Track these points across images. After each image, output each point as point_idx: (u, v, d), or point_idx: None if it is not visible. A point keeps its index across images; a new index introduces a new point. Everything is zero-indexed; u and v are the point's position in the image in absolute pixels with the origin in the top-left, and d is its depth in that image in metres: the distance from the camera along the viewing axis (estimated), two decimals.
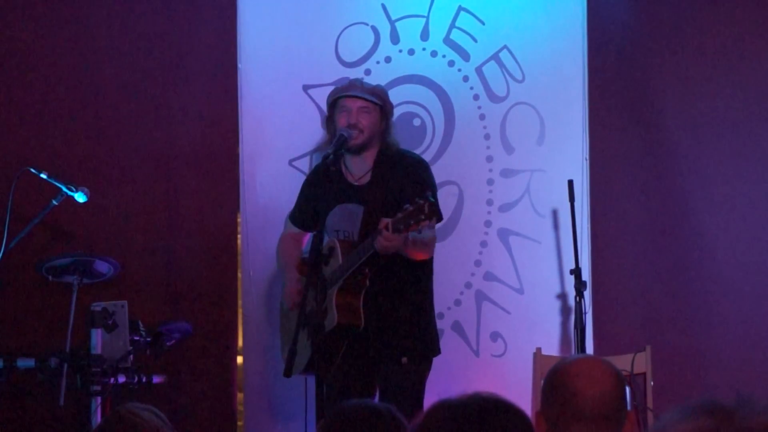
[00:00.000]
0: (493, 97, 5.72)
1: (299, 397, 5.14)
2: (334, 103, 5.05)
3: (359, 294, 4.83)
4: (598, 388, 2.66)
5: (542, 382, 2.76)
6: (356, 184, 5.01)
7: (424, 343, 4.96)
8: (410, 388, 4.86)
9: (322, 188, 4.97)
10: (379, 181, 4.97)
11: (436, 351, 5.03)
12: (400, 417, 2.58)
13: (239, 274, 5.81)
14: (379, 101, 5.01)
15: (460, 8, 5.74)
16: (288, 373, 4.48)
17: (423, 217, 4.47)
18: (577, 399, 2.64)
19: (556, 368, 2.73)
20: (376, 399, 4.88)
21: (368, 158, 5.03)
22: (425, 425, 2.32)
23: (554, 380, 2.70)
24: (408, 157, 5.08)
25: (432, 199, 4.51)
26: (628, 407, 5.10)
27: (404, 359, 4.87)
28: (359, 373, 4.93)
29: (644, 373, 5.26)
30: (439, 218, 4.76)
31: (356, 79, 5.23)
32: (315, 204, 5.09)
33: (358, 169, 5.03)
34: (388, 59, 5.77)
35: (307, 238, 5.26)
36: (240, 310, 5.82)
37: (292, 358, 4.48)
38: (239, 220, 5.85)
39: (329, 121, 5.07)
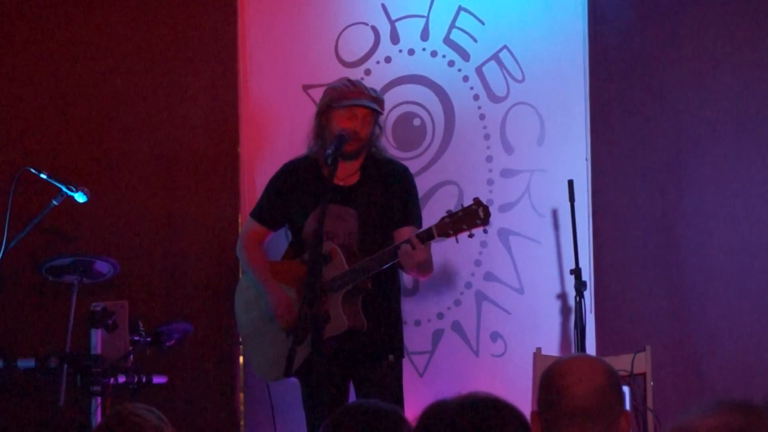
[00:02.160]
0: (493, 97, 5.72)
1: (299, 397, 5.14)
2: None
3: (359, 298, 4.84)
4: (587, 385, 2.66)
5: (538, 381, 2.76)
6: (342, 184, 4.98)
7: (402, 343, 5.01)
8: (395, 384, 4.90)
9: (301, 187, 4.96)
10: (368, 184, 4.95)
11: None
12: (404, 417, 2.58)
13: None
14: (381, 111, 4.98)
15: (460, 8, 5.74)
16: (288, 372, 4.48)
17: (479, 221, 4.52)
18: (566, 397, 2.64)
19: (548, 368, 2.73)
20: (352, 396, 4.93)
21: (355, 161, 5.00)
22: (422, 425, 2.33)
23: (546, 380, 2.70)
24: (395, 163, 5.08)
25: (485, 203, 4.55)
26: (627, 406, 5.11)
27: (391, 357, 4.90)
28: (336, 372, 4.93)
29: (644, 373, 5.25)
30: (418, 224, 4.91)
31: (359, 82, 5.15)
32: (288, 202, 5.05)
33: (344, 169, 4.97)
34: (388, 59, 5.77)
35: (270, 237, 5.19)
36: None
37: (292, 358, 4.48)
38: (240, 219, 5.85)
39: (323, 115, 4.98)
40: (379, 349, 4.90)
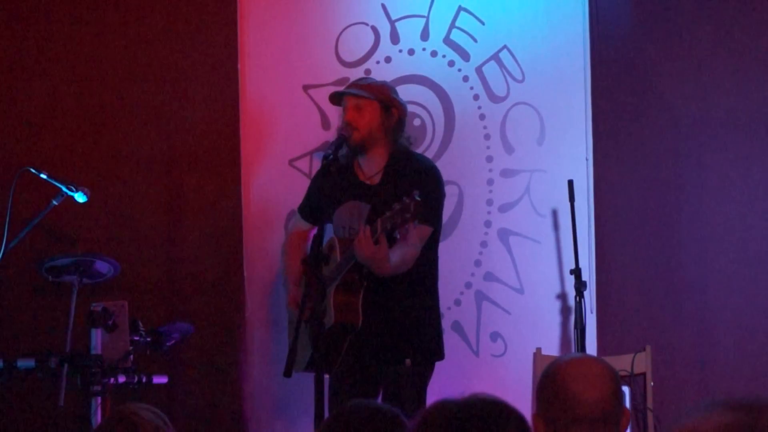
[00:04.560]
0: (493, 97, 5.72)
1: (302, 396, 5.14)
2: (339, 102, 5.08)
3: (358, 293, 4.81)
4: (598, 390, 2.65)
5: (537, 383, 2.73)
6: (367, 183, 5.01)
7: (428, 346, 4.93)
8: (412, 391, 4.82)
9: (332, 183, 4.98)
10: (390, 183, 4.96)
11: (440, 355, 5.00)
12: (403, 419, 2.57)
13: (245, 274, 5.81)
14: (372, 96, 4.99)
15: (460, 8, 5.74)
16: (288, 373, 4.48)
17: (408, 216, 4.46)
18: (576, 403, 2.62)
19: (552, 371, 2.69)
20: (379, 400, 4.88)
21: (380, 157, 5.01)
22: (423, 426, 2.32)
23: (551, 383, 2.67)
24: (420, 163, 5.06)
25: (418, 198, 4.47)
26: (627, 405, 5.11)
27: (407, 361, 4.84)
28: (363, 374, 4.92)
29: (644, 373, 5.26)
30: (430, 223, 4.82)
31: (360, 78, 5.25)
32: (322, 197, 5.09)
33: (370, 168, 5.03)
34: (388, 59, 5.77)
35: (314, 233, 5.26)
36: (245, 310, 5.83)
37: (291, 359, 4.48)
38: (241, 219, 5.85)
39: None
40: (394, 352, 4.86)
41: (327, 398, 4.60)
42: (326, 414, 4.85)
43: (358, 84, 5.09)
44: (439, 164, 5.56)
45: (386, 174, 4.98)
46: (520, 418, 2.34)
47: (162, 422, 2.80)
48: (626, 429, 2.72)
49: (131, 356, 5.18)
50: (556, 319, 5.59)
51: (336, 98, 5.10)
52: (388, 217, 4.55)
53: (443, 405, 2.34)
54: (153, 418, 2.78)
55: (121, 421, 2.77)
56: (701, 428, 1.66)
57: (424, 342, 4.92)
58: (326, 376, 4.92)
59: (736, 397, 1.68)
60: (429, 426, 2.31)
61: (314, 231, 5.22)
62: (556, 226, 5.61)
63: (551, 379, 2.68)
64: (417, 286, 4.92)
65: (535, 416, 2.67)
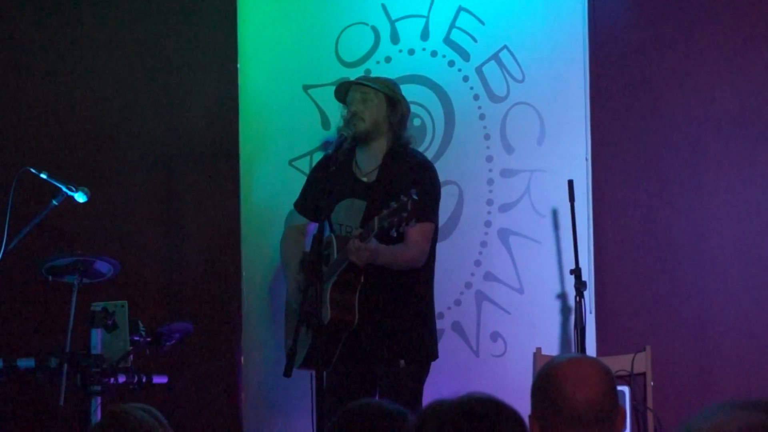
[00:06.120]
0: (493, 97, 5.71)
1: (300, 395, 5.13)
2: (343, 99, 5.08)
3: (354, 291, 4.81)
4: (591, 391, 2.64)
5: (532, 384, 2.73)
6: (364, 180, 5.01)
7: (423, 347, 4.93)
8: (407, 391, 4.81)
9: (330, 180, 4.97)
10: (385, 180, 4.96)
11: (435, 355, 4.99)
12: (411, 419, 2.57)
13: (243, 273, 5.81)
14: (380, 87, 5.00)
15: (460, 8, 5.74)
16: (288, 373, 4.47)
17: (405, 215, 4.46)
18: (571, 404, 2.62)
19: (546, 371, 2.69)
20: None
21: (377, 154, 5.02)
22: (420, 426, 2.33)
23: (546, 384, 2.66)
24: (416, 158, 5.06)
25: (415, 197, 4.47)
26: (627, 406, 5.11)
27: (402, 362, 4.84)
28: (359, 374, 4.92)
29: (644, 373, 5.25)
30: (430, 219, 4.83)
31: (364, 77, 5.27)
32: (320, 194, 5.08)
33: (367, 164, 5.03)
34: (388, 59, 5.77)
35: (312, 228, 5.25)
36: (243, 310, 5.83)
37: (291, 359, 4.47)
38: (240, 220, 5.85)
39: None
40: (388, 352, 4.85)
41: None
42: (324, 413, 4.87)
43: (365, 78, 5.11)
44: (439, 164, 5.56)
45: (382, 171, 4.98)
46: (516, 416, 2.33)
47: (156, 422, 2.79)
48: (622, 429, 2.72)
49: (131, 356, 5.19)
50: (556, 319, 5.58)
51: (341, 95, 5.10)
52: (385, 215, 4.55)
53: (439, 405, 2.34)
54: (146, 418, 2.77)
55: (114, 421, 2.77)
56: (725, 429, 1.66)
57: (418, 343, 4.91)
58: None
59: (756, 398, 1.67)
60: (425, 426, 2.31)
61: (312, 226, 5.23)
62: (556, 226, 5.60)
63: (545, 380, 2.68)
64: (413, 284, 4.92)
65: (530, 417, 2.66)
